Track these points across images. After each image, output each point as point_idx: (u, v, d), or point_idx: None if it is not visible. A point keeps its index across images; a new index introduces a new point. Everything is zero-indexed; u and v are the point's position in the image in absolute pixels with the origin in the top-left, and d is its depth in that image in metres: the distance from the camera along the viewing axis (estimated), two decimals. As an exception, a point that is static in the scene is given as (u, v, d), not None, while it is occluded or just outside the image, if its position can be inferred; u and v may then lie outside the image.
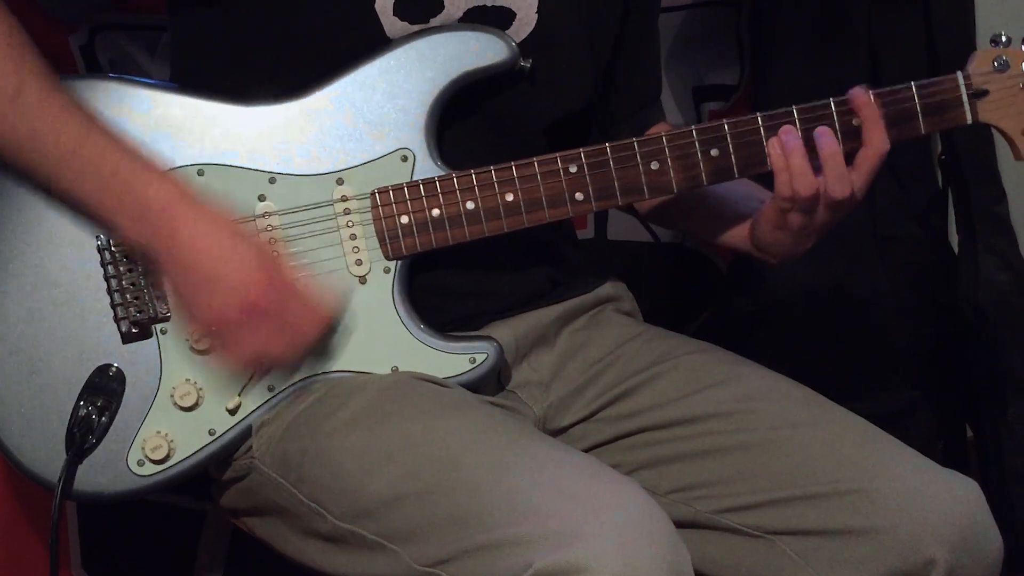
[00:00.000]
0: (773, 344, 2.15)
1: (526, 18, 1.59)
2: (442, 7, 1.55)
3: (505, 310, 1.63)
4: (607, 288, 1.74)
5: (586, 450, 1.61)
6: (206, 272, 1.44)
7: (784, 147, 1.55)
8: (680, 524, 1.41)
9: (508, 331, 1.62)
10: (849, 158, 1.57)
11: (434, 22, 1.55)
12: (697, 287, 2.27)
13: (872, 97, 1.57)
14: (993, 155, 2.22)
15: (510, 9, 1.58)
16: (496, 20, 1.57)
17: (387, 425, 1.47)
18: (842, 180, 1.55)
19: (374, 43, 1.54)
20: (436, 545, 1.37)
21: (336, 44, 1.54)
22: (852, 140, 1.57)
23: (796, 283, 2.21)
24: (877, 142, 1.56)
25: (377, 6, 1.53)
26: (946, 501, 1.47)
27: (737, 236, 1.68)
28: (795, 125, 1.56)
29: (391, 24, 1.54)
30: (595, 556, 1.29)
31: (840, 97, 1.58)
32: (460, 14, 1.56)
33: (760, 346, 2.05)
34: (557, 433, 1.64)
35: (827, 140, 1.55)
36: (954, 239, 2.28)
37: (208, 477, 1.63)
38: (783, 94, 2.22)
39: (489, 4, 1.57)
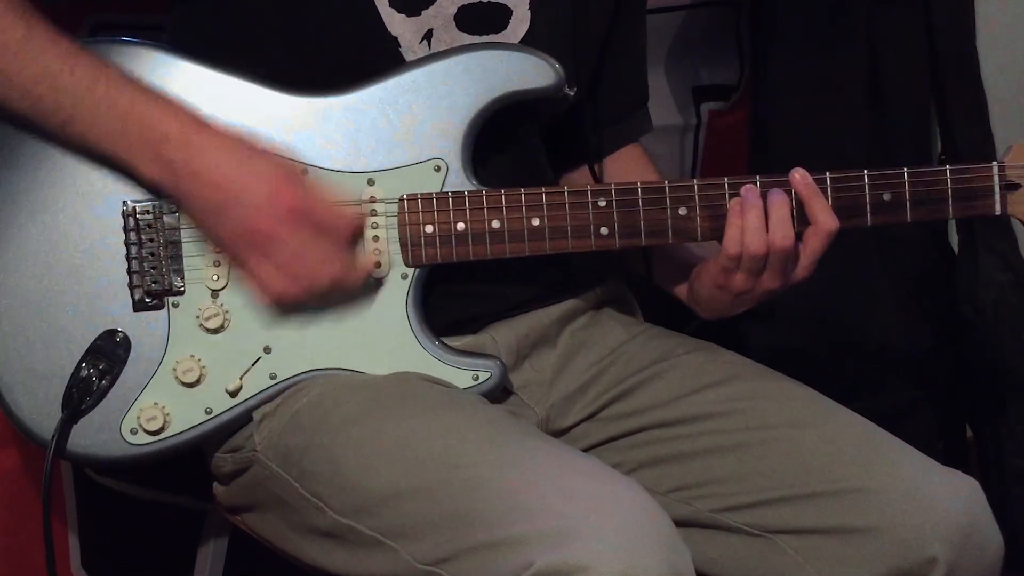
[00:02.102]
0: (773, 344, 2.15)
1: (521, 15, 1.59)
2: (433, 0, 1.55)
3: (507, 311, 1.63)
4: (608, 288, 1.74)
5: (586, 449, 1.62)
6: (229, 192, 1.45)
7: (743, 202, 1.54)
8: (680, 523, 1.41)
9: (510, 332, 1.62)
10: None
11: (426, 14, 1.55)
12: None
13: (806, 176, 1.54)
14: (993, 155, 2.22)
15: (506, 6, 1.58)
16: (492, 17, 1.57)
17: (389, 422, 1.47)
18: (787, 238, 1.53)
19: (375, 37, 1.54)
20: (435, 543, 1.37)
21: (334, 37, 1.54)
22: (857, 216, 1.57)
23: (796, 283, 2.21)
24: (822, 221, 1.54)
25: None
26: (946, 500, 1.47)
27: (679, 285, 1.66)
28: (827, 192, 1.55)
29: (390, 16, 1.54)
30: (596, 555, 1.29)
31: (875, 171, 1.57)
32: (454, 10, 1.56)
33: (760, 346, 2.06)
34: (560, 434, 1.64)
35: (778, 198, 1.54)
36: (954, 239, 2.28)
37: (208, 475, 1.63)
38: (783, 95, 2.23)
39: (485, 0, 1.57)
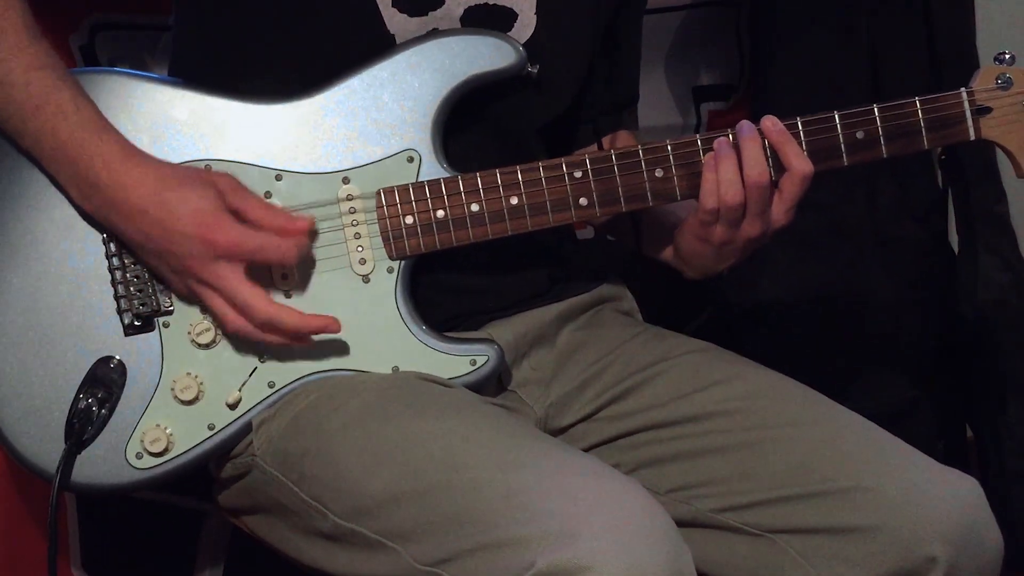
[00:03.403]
0: (773, 344, 2.15)
1: (526, 20, 1.59)
2: (442, 2, 1.55)
3: (505, 309, 1.64)
4: (607, 288, 1.74)
5: (586, 449, 1.62)
6: (160, 242, 1.46)
7: (716, 154, 1.54)
8: (680, 523, 1.41)
9: (508, 330, 1.62)
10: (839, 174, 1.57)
11: (433, 16, 1.55)
12: (696, 287, 2.27)
13: (777, 123, 1.55)
14: (993, 155, 2.22)
15: (512, 9, 1.58)
16: (498, 20, 1.57)
17: (388, 424, 1.47)
18: (763, 174, 1.53)
19: (375, 36, 1.54)
20: (437, 544, 1.38)
21: (336, 36, 1.54)
22: (833, 159, 1.58)
23: (796, 283, 2.21)
24: (796, 166, 1.55)
25: None
26: (947, 499, 1.47)
27: (666, 248, 1.66)
28: (800, 136, 1.56)
29: (391, 16, 1.55)
30: (597, 555, 1.29)
31: (845, 110, 1.58)
32: (461, 11, 1.56)
33: (760, 346, 2.05)
34: (558, 433, 1.64)
35: (748, 134, 1.54)
36: (954, 239, 2.28)
37: (208, 476, 1.63)
38: (783, 94, 2.23)
39: (491, 3, 1.57)
